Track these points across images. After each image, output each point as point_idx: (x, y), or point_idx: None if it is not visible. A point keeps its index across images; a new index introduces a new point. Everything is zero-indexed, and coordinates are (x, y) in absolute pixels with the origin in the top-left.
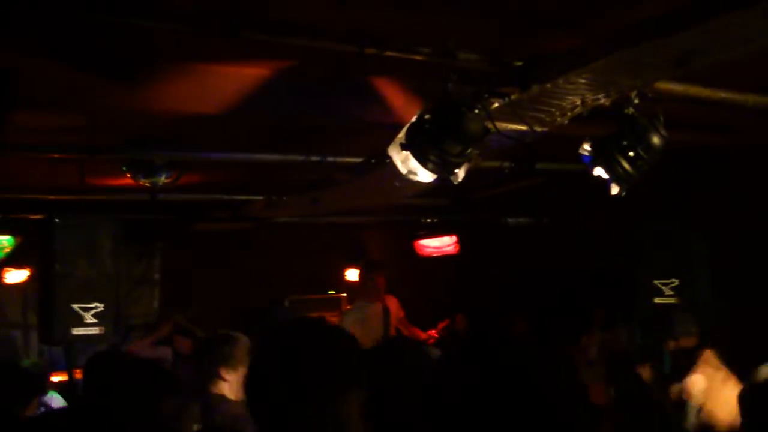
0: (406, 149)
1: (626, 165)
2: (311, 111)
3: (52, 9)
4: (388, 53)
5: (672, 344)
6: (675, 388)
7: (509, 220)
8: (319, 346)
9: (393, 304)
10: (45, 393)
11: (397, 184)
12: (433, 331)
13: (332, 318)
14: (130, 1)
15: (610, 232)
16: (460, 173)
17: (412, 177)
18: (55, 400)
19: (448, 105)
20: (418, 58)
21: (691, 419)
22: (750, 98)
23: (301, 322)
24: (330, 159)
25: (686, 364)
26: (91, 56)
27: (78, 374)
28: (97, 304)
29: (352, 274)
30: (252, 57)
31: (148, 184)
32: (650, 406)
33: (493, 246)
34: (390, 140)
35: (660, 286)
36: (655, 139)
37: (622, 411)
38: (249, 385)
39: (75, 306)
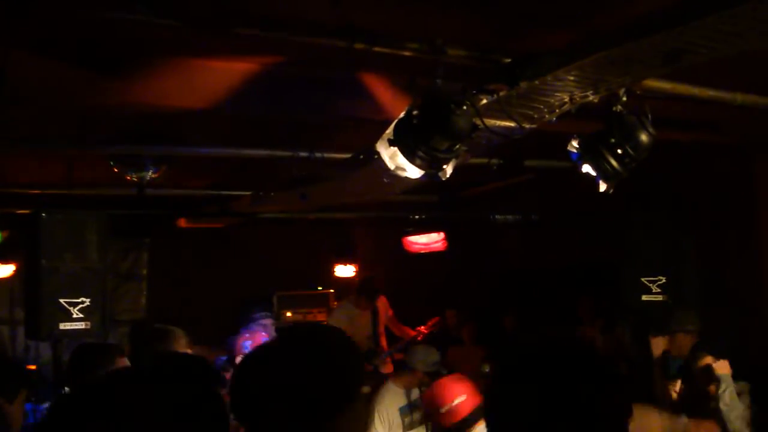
0: (394, 145)
1: (614, 162)
2: (299, 106)
3: (42, 4)
4: (377, 49)
5: (667, 339)
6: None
7: (497, 216)
8: (323, 362)
9: (382, 303)
10: (32, 388)
11: (385, 180)
12: (422, 327)
13: (320, 315)
14: None
15: (598, 229)
16: (448, 169)
17: (400, 173)
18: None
19: (436, 101)
20: (407, 53)
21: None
22: (738, 96)
23: (296, 335)
24: (318, 155)
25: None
26: (79, 51)
27: None
28: (84, 299)
29: (340, 270)
30: (241, 52)
31: (135, 179)
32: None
33: (481, 243)
34: (378, 136)
35: (647, 283)
36: (643, 137)
37: None
38: (238, 400)
39: (62, 301)
